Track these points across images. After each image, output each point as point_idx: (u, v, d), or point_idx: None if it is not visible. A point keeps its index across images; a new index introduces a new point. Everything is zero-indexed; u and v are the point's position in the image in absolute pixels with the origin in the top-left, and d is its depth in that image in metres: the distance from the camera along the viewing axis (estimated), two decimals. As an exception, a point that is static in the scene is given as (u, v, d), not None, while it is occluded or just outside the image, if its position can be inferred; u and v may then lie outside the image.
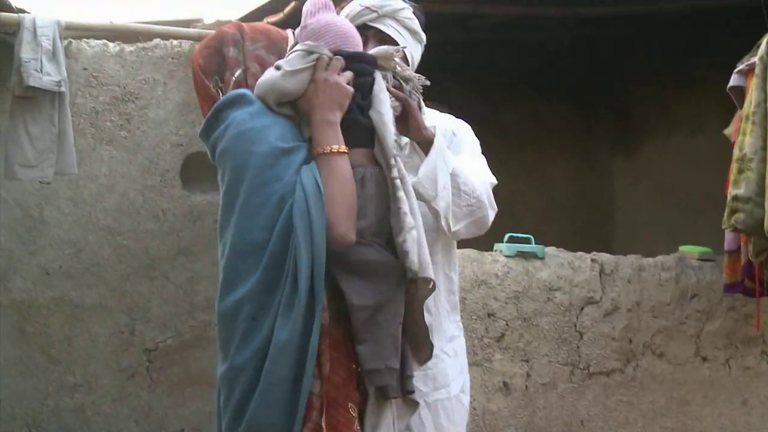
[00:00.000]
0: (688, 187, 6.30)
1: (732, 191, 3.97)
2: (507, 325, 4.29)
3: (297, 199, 1.86)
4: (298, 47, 2.09)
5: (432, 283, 1.96)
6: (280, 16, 4.62)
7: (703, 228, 5.42)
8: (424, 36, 2.53)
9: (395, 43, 2.43)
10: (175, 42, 5.32)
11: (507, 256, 4.36)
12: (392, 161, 2.01)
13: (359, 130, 2.02)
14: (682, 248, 4.75)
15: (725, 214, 4.03)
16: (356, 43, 2.15)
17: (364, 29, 2.43)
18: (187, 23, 5.55)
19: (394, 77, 2.17)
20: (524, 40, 5.70)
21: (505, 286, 4.29)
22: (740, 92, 4.07)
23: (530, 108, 6.56)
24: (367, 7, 2.44)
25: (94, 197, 5.14)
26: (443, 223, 2.32)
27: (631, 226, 7.04)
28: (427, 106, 2.58)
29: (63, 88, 4.49)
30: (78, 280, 5.14)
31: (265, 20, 4.91)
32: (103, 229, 5.17)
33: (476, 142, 2.67)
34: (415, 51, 2.51)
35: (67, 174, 4.67)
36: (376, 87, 2.07)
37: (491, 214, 2.46)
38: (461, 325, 2.69)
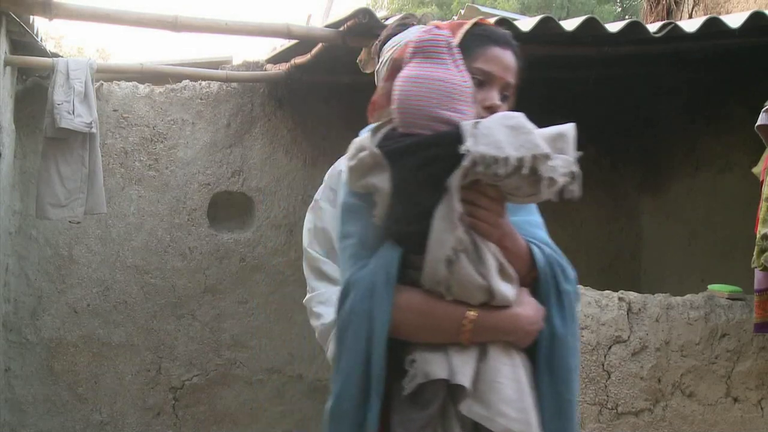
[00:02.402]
0: (716, 225, 6.23)
1: (761, 230, 3.93)
2: (534, 364, 4.25)
3: (360, 287, 1.62)
4: (356, 142, 1.70)
5: (467, 390, 1.61)
6: (308, 57, 4.66)
7: (732, 267, 5.34)
8: None
9: None
10: (203, 83, 5.41)
11: (533, 295, 4.33)
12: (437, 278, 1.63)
13: (406, 239, 1.63)
14: (711, 287, 4.69)
15: (755, 253, 3.99)
16: (438, 114, 1.61)
17: None
18: (216, 64, 5.64)
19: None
20: (549, 78, 5.71)
21: (532, 325, 4.26)
22: (768, 131, 4.05)
23: (556, 146, 6.56)
24: None
25: (122, 236, 5.20)
26: None
27: (659, 264, 6.96)
28: None
29: (94, 129, 4.56)
30: (105, 319, 5.18)
31: (293, 61, 4.96)
32: (131, 267, 5.22)
33: None
34: None
35: (96, 213, 4.74)
36: (453, 177, 1.55)
37: None
38: None
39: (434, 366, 1.59)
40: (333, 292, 2.42)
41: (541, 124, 1.66)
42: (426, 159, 1.58)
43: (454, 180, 1.54)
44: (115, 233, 5.19)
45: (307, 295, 2.52)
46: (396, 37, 2.42)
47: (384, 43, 2.46)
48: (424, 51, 1.64)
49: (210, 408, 5.33)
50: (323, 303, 2.44)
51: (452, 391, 1.60)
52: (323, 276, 2.48)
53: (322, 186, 2.58)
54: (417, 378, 1.59)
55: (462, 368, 1.59)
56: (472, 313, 1.60)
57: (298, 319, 5.51)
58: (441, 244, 1.58)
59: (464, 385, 1.57)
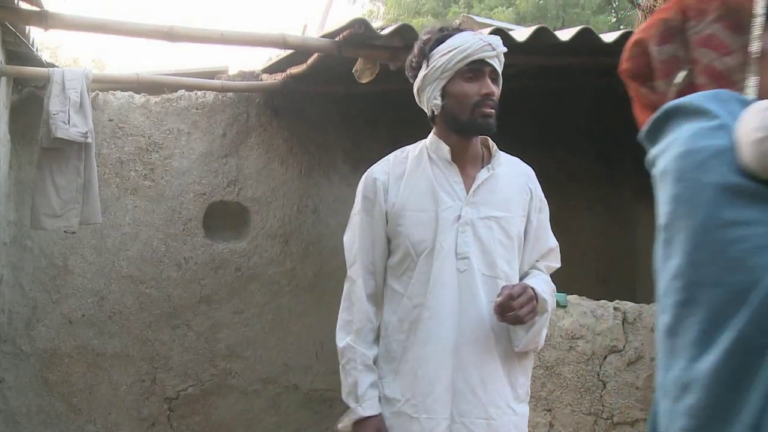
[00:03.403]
0: (712, 235, 6.26)
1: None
2: (529, 374, 4.25)
3: None
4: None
5: None
6: (303, 67, 4.67)
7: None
8: None
9: (496, 84, 2.49)
10: (199, 93, 5.41)
11: (529, 305, 4.33)
12: None
13: None
14: (707, 297, 4.70)
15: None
16: None
17: (481, 65, 2.42)
18: (212, 74, 5.64)
19: None
20: (547, 88, 5.73)
21: (528, 335, 4.25)
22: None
23: (553, 156, 6.56)
24: (489, 44, 2.42)
25: (117, 246, 5.20)
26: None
27: (655, 274, 6.99)
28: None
29: (89, 139, 4.55)
30: (100, 329, 5.16)
31: (288, 71, 4.96)
32: (126, 277, 5.21)
33: (543, 197, 2.70)
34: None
35: (91, 223, 4.72)
36: None
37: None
38: (529, 392, 2.58)
39: None
40: (361, 356, 2.42)
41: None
42: None
43: None
44: (110, 243, 5.18)
45: (351, 341, 2.46)
46: (450, 41, 2.42)
47: (432, 47, 2.44)
48: None
49: (205, 418, 5.31)
50: (361, 362, 2.41)
51: None
52: (366, 322, 2.46)
53: (357, 199, 2.54)
54: None
55: None
56: None
57: (293, 329, 5.51)
58: None
59: None
